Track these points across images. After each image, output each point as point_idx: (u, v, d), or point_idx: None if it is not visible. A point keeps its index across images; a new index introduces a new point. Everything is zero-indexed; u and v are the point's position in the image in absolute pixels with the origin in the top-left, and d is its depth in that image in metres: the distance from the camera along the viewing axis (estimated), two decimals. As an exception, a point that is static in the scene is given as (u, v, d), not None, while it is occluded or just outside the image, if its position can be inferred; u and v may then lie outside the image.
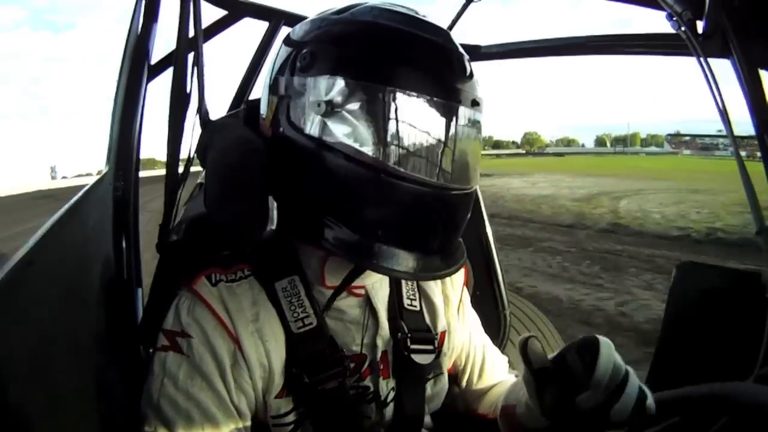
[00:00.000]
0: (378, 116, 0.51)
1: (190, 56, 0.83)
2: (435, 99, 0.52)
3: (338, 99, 0.52)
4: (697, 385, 0.54)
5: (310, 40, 0.57)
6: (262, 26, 1.19)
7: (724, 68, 0.93)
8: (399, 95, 0.51)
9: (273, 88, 0.59)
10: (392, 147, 0.51)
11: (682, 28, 0.87)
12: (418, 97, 0.51)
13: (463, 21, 1.30)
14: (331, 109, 0.52)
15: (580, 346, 0.53)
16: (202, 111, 0.78)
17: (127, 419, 0.64)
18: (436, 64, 0.54)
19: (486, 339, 0.85)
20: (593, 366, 0.50)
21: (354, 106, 0.51)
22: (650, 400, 0.51)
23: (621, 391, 0.50)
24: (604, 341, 0.52)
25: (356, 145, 0.51)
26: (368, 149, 0.51)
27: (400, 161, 0.51)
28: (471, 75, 0.56)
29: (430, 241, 0.55)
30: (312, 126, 0.54)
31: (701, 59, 0.86)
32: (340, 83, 0.52)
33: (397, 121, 0.51)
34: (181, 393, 0.56)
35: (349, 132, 0.52)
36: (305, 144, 0.54)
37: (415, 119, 0.52)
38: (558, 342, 1.61)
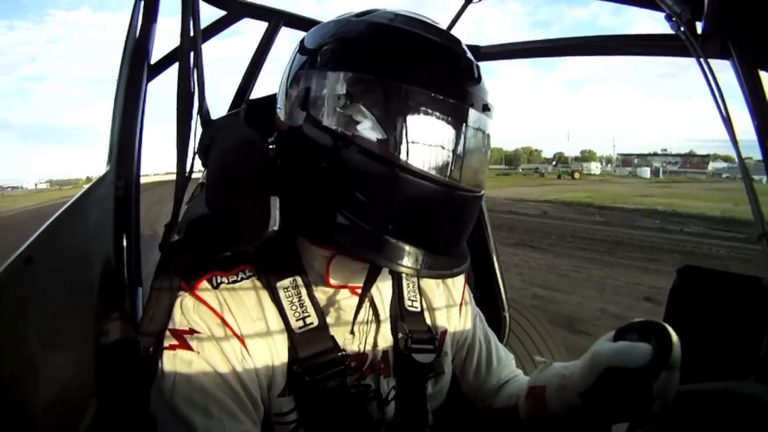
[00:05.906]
0: (393, 111, 0.52)
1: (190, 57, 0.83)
2: (448, 99, 0.53)
3: (356, 93, 0.53)
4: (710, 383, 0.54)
5: (332, 38, 0.58)
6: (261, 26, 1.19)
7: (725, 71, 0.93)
8: (414, 93, 0.52)
9: (293, 83, 0.60)
10: (405, 142, 0.52)
11: (681, 29, 0.86)
12: (432, 95, 0.52)
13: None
14: (349, 103, 0.53)
15: (642, 331, 0.55)
16: (202, 111, 0.78)
17: (127, 417, 0.64)
18: (449, 68, 0.55)
19: (492, 335, 0.84)
20: (669, 347, 0.51)
21: (371, 100, 0.52)
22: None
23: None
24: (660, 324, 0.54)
25: (371, 139, 0.52)
26: (382, 143, 0.52)
27: (412, 157, 0.52)
28: (480, 79, 0.57)
29: (439, 240, 0.56)
30: (330, 118, 0.54)
31: (701, 60, 0.86)
32: (359, 78, 0.53)
33: (411, 117, 0.52)
34: (196, 389, 0.56)
35: (365, 125, 0.52)
36: (322, 136, 0.55)
37: (429, 117, 0.52)
38: (558, 348, 1.57)
